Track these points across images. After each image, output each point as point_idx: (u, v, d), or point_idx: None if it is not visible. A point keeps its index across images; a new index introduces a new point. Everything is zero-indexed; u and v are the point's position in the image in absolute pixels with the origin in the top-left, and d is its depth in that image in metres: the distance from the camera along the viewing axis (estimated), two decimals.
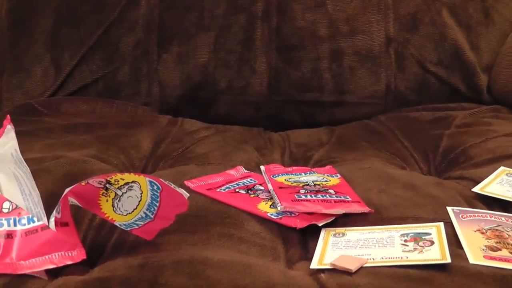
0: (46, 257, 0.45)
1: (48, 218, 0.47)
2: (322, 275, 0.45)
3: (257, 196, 0.60)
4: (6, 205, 0.46)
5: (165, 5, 1.00)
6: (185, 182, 0.63)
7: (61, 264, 0.45)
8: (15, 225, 0.45)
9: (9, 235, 0.45)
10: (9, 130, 0.54)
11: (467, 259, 0.46)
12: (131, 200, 0.47)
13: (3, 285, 0.43)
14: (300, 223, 0.53)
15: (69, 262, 0.45)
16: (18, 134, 0.55)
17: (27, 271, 0.44)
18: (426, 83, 1.00)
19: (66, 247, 0.45)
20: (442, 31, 0.99)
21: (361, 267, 0.45)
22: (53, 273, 0.45)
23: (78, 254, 0.45)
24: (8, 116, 0.55)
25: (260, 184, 0.64)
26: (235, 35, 1.00)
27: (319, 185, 0.61)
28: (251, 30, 0.99)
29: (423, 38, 1.00)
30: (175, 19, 1.00)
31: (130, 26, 1.00)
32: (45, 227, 0.45)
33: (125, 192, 0.47)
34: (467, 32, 1.00)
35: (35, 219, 0.45)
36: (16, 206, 0.46)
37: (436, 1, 1.00)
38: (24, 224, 0.45)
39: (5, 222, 0.45)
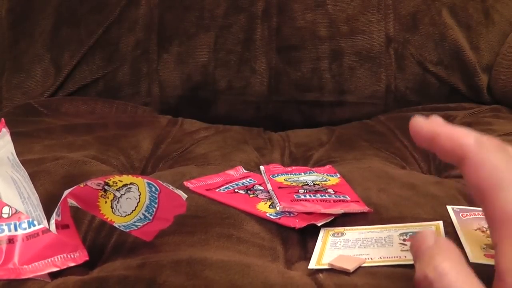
0: (49, 260, 0.45)
1: (48, 221, 0.47)
2: (320, 275, 0.45)
3: (256, 196, 0.60)
4: (5, 210, 0.45)
5: (165, 5, 1.00)
6: (185, 183, 0.63)
7: (64, 267, 0.45)
8: (16, 229, 0.45)
9: (11, 240, 0.44)
10: (5, 134, 0.53)
11: (467, 257, 0.45)
12: (129, 202, 0.47)
13: (2, 285, 0.43)
14: (299, 223, 0.53)
15: (72, 264, 0.45)
16: (18, 134, 0.55)
17: (31, 275, 0.44)
18: (426, 83, 1.00)
19: (68, 249, 0.45)
20: (442, 31, 0.99)
21: (359, 267, 0.45)
22: (53, 276, 0.45)
23: (80, 256, 0.45)
24: (3, 119, 0.54)
25: (260, 184, 0.63)
26: (235, 35, 1.00)
27: (318, 184, 0.61)
28: (251, 30, 0.99)
29: (423, 38, 1.00)
30: (175, 19, 1.00)
31: (130, 26, 1.00)
32: (46, 230, 0.45)
33: (124, 194, 0.47)
34: (467, 32, 1.00)
35: (35, 222, 0.45)
36: (16, 210, 0.46)
37: (436, 1, 1.00)
38: (25, 228, 0.45)
39: (5, 228, 0.45)
